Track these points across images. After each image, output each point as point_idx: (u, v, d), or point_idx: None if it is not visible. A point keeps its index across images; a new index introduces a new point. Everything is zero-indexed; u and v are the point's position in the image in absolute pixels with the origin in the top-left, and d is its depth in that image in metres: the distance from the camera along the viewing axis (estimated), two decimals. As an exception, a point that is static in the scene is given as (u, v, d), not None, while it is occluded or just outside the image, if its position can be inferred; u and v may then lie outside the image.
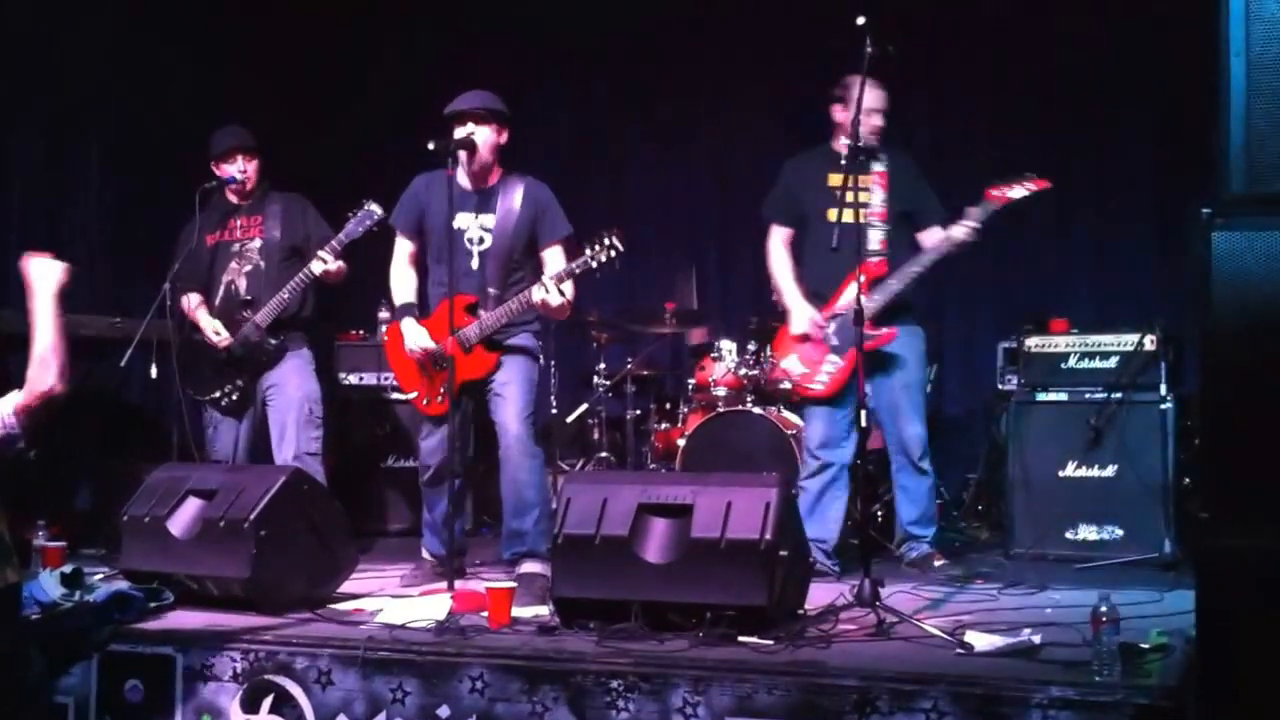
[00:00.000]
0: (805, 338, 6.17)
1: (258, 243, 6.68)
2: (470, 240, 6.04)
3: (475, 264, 6.03)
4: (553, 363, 8.60)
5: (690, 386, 8.73)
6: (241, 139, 6.73)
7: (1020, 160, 8.82)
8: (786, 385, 6.54)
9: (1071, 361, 6.90)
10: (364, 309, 8.66)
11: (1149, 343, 6.68)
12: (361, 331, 8.67)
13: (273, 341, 6.58)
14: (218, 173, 6.70)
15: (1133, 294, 8.67)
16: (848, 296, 5.98)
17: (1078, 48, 8.94)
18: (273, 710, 4.62)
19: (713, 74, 9.98)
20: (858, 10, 5.19)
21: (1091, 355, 6.84)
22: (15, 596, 4.21)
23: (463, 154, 5.94)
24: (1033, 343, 7.02)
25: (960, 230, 5.99)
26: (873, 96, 5.95)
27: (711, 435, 7.99)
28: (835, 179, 6.05)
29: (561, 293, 5.81)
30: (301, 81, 9.78)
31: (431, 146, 5.79)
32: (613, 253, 5.67)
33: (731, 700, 4.11)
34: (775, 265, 6.34)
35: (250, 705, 4.65)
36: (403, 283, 6.24)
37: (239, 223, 6.74)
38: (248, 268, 6.67)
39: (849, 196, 5.85)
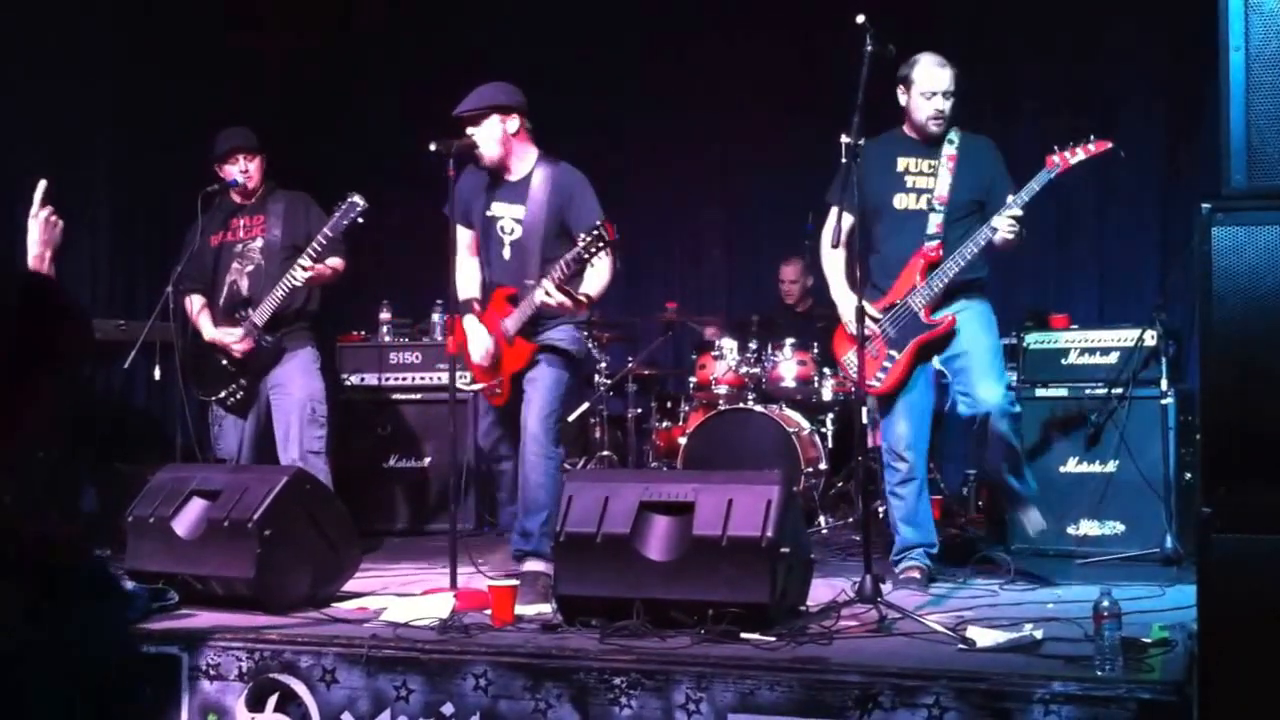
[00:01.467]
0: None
1: (259, 242, 6.69)
2: (503, 230, 6.03)
3: (508, 254, 6.02)
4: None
5: (691, 385, 8.75)
6: (243, 139, 6.73)
7: (1023, 154, 8.90)
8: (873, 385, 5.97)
9: (1072, 357, 6.90)
10: (365, 309, 8.67)
11: (1149, 338, 6.69)
12: (363, 332, 8.68)
13: (269, 339, 6.58)
14: (220, 174, 6.70)
15: (1133, 290, 8.68)
16: (906, 286, 5.81)
17: (1081, 41, 8.96)
18: (278, 709, 4.63)
19: (714, 70, 9.99)
20: (859, 3, 5.18)
21: (1092, 351, 6.85)
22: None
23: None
24: (1033, 339, 7.02)
25: (1015, 205, 5.61)
26: (935, 77, 5.80)
27: (713, 433, 8.02)
28: (904, 163, 5.90)
29: (567, 293, 5.71)
30: (301, 83, 9.79)
31: (433, 147, 5.76)
32: (601, 244, 5.56)
33: (734, 697, 4.12)
34: (826, 256, 5.95)
35: (255, 704, 4.66)
36: (464, 275, 6.17)
37: (242, 223, 6.74)
38: (249, 268, 6.68)
39: (909, 181, 5.85)
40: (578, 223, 5.86)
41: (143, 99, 8.80)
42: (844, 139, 5.19)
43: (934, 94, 5.80)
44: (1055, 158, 5.55)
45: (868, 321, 5.69)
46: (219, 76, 9.07)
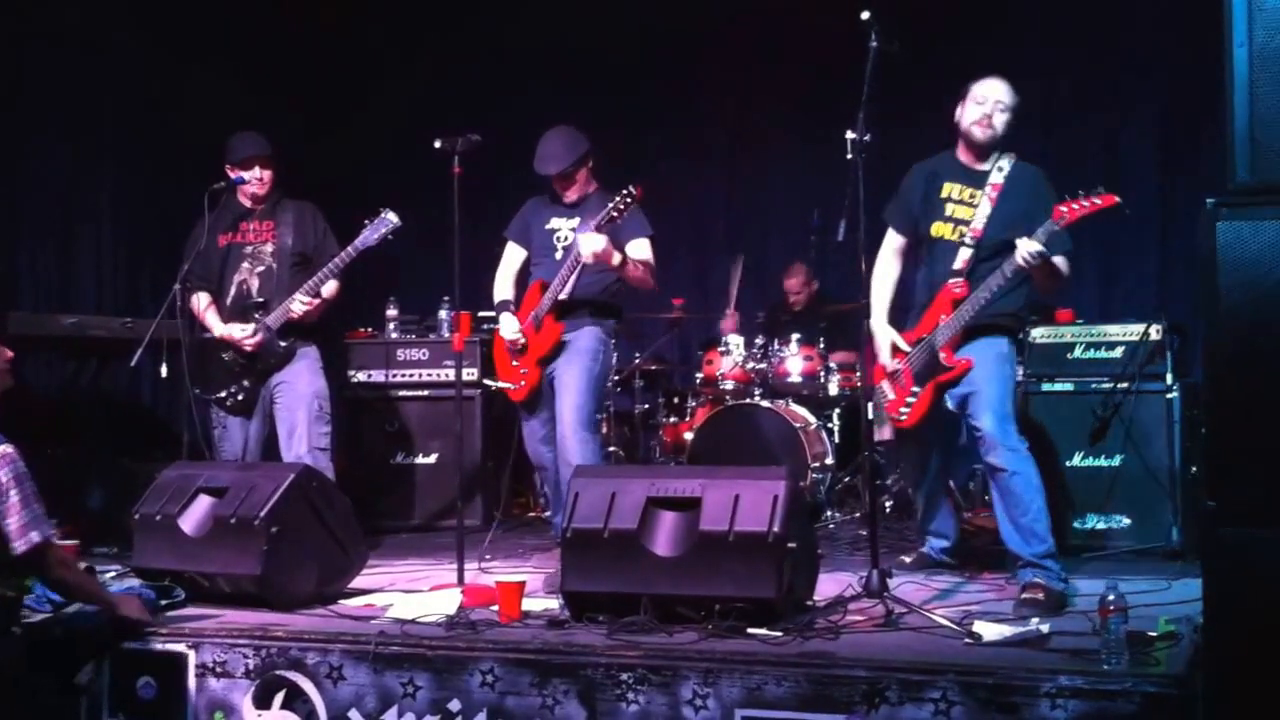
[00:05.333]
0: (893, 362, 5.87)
1: (270, 247, 6.72)
2: (558, 239, 6.51)
3: (559, 255, 6.44)
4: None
5: (698, 380, 8.76)
6: (263, 149, 6.74)
7: (1025, 150, 8.90)
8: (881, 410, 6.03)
9: (1077, 352, 6.90)
10: (372, 306, 8.68)
11: (1154, 333, 6.69)
12: (370, 329, 8.70)
13: (282, 344, 6.62)
14: (230, 174, 6.70)
15: (1139, 284, 8.68)
16: (932, 322, 5.69)
17: (1084, 36, 8.96)
18: (285, 706, 4.65)
19: (723, 74, 10.00)
20: (866, 6, 5.17)
21: (1097, 346, 6.84)
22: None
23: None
24: (1038, 333, 7.01)
25: (1020, 251, 5.35)
26: (993, 87, 5.67)
27: (719, 429, 8.03)
28: (948, 189, 5.77)
29: (607, 248, 6.12)
30: (309, 79, 9.80)
31: (439, 145, 6.04)
32: (629, 200, 6.05)
33: (741, 692, 4.13)
34: (875, 278, 5.75)
35: (262, 701, 4.67)
36: (503, 283, 6.71)
37: (251, 226, 6.76)
38: (260, 269, 6.71)
39: (949, 210, 5.73)
40: (627, 233, 6.36)
41: (151, 95, 8.81)
42: (849, 135, 5.18)
43: (986, 100, 5.67)
44: (1063, 208, 5.32)
45: (888, 359, 5.82)
46: (228, 74, 9.09)
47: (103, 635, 4.89)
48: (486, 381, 6.79)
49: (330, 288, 6.66)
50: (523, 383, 6.44)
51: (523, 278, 6.67)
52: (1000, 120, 5.68)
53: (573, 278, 6.28)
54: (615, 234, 6.27)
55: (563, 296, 6.32)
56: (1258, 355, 3.65)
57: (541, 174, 6.44)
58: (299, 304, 6.56)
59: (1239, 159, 3.67)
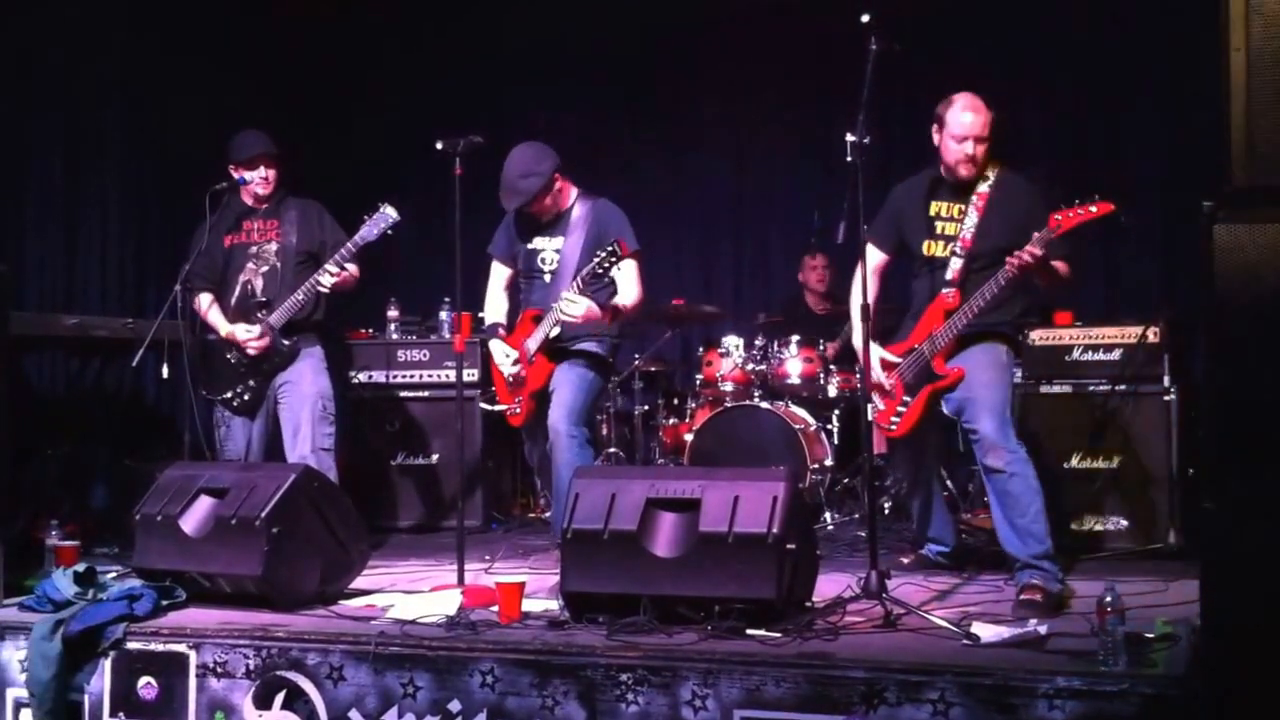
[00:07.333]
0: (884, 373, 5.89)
1: (274, 246, 6.73)
2: (543, 261, 6.40)
3: (547, 280, 6.37)
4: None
5: (698, 381, 8.77)
6: (268, 146, 6.75)
7: (1025, 151, 8.92)
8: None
9: (1076, 354, 6.91)
10: (374, 307, 8.69)
11: (1153, 335, 6.70)
12: (371, 330, 8.71)
13: (286, 343, 6.63)
14: (234, 174, 6.71)
15: (1137, 287, 8.69)
16: (924, 332, 5.72)
17: (1084, 38, 8.97)
18: (285, 706, 4.66)
19: (725, 74, 10.01)
20: (867, 10, 5.18)
21: (1095, 347, 6.85)
22: None
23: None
24: (1037, 335, 7.02)
25: (1016, 259, 5.37)
26: (966, 122, 5.62)
27: (719, 430, 8.04)
28: (935, 207, 5.78)
29: (597, 301, 6.06)
30: (311, 79, 9.81)
31: (440, 146, 5.99)
32: (613, 259, 5.95)
33: (740, 692, 4.15)
34: (854, 295, 5.68)
35: (263, 701, 4.69)
36: (492, 305, 6.66)
37: (255, 225, 6.77)
38: (264, 268, 6.71)
39: (939, 227, 5.75)
40: (614, 234, 6.18)
41: (153, 96, 8.83)
42: (849, 138, 5.18)
43: (964, 139, 5.63)
44: (1058, 215, 5.32)
45: (879, 372, 5.84)
46: (230, 74, 9.10)
47: (108, 635, 4.91)
48: (483, 405, 6.80)
49: (352, 267, 6.67)
50: (518, 410, 6.43)
51: (513, 291, 6.62)
52: (981, 150, 5.67)
53: (557, 329, 6.22)
54: (602, 235, 6.21)
55: (553, 335, 6.25)
56: (1256, 356, 3.66)
57: (506, 207, 6.35)
58: (328, 276, 6.55)
59: (1235, 163, 3.68)
